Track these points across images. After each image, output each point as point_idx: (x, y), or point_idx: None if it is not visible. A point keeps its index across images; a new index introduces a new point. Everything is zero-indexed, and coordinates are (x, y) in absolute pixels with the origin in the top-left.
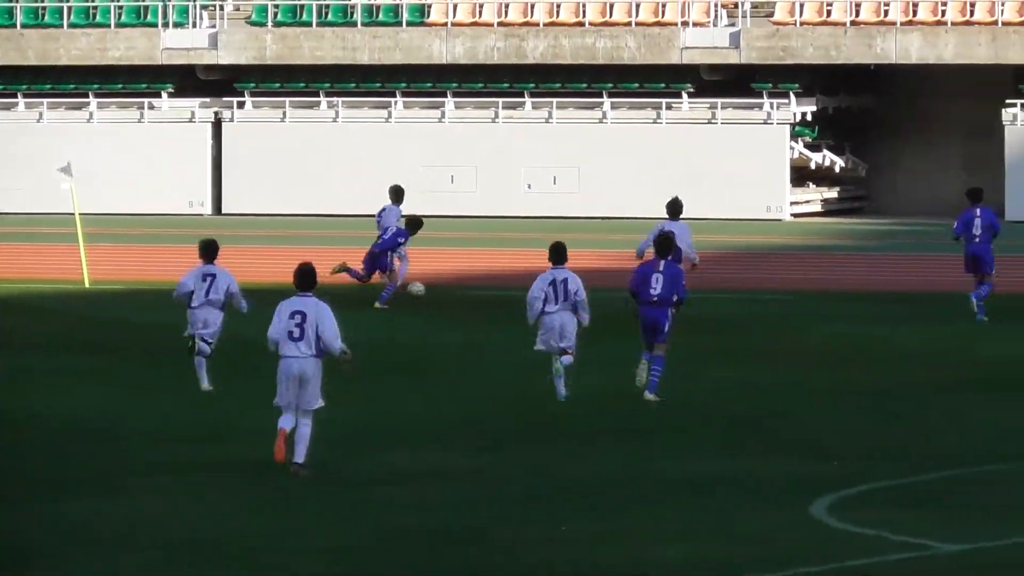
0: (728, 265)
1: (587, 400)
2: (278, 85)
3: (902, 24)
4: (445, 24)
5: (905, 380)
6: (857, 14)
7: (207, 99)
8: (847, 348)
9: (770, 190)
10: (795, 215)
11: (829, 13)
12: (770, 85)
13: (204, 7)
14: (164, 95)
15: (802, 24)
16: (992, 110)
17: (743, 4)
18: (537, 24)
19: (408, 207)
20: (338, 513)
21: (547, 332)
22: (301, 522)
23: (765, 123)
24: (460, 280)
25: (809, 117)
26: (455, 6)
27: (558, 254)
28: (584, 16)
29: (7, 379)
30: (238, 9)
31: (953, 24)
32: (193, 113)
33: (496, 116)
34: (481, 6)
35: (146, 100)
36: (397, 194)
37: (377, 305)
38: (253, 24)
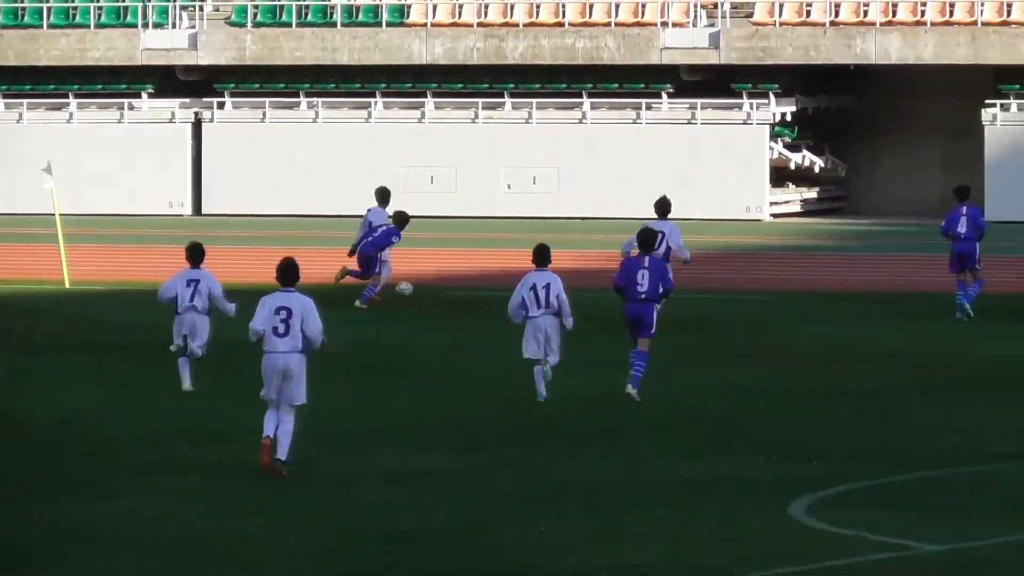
0: (708, 266)
1: (572, 401)
2: (258, 86)
3: (882, 24)
4: (425, 24)
5: (886, 380)
6: (837, 14)
7: (187, 100)
8: (828, 348)
9: (750, 190)
10: (775, 215)
11: (809, 13)
12: (750, 85)
13: (184, 8)
14: (144, 95)
15: (782, 24)
16: (972, 110)
17: (723, 5)
18: (517, 25)
19: (389, 208)
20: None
21: (532, 337)
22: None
23: (745, 123)
24: (440, 280)
25: (789, 117)
26: (435, 7)
27: (542, 256)
28: (564, 16)
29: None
30: (218, 10)
31: (933, 24)
32: (173, 114)
33: (476, 116)
34: (461, 6)
35: (126, 100)
36: (383, 196)
37: (357, 303)
38: (233, 25)
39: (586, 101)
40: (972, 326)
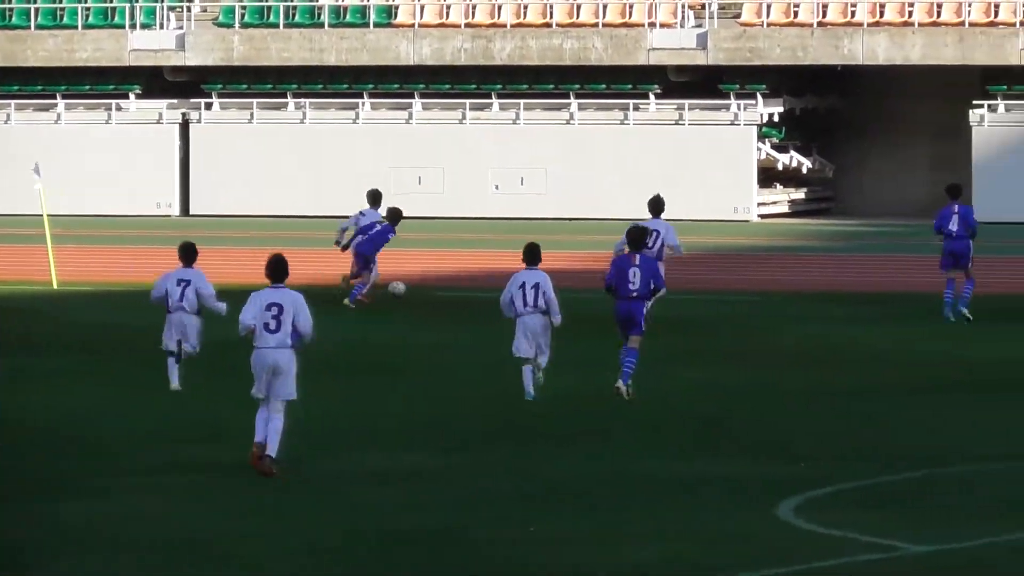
0: (695, 266)
1: (561, 401)
2: (245, 86)
3: (869, 25)
4: (412, 25)
5: (874, 381)
6: (824, 15)
7: (174, 100)
8: (816, 349)
9: (737, 191)
10: (762, 216)
11: (796, 14)
12: (737, 86)
13: (171, 8)
14: (132, 96)
15: (769, 25)
16: (959, 111)
17: (710, 5)
18: (504, 25)
19: (380, 210)
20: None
21: (523, 336)
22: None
23: (732, 124)
24: (428, 281)
25: (776, 118)
26: (422, 7)
27: (532, 255)
28: (551, 17)
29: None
30: (205, 10)
31: (920, 25)
32: (160, 114)
33: (463, 117)
34: (448, 7)
35: (113, 101)
36: (375, 198)
37: (346, 302)
38: (220, 25)
39: (574, 102)
40: (959, 327)
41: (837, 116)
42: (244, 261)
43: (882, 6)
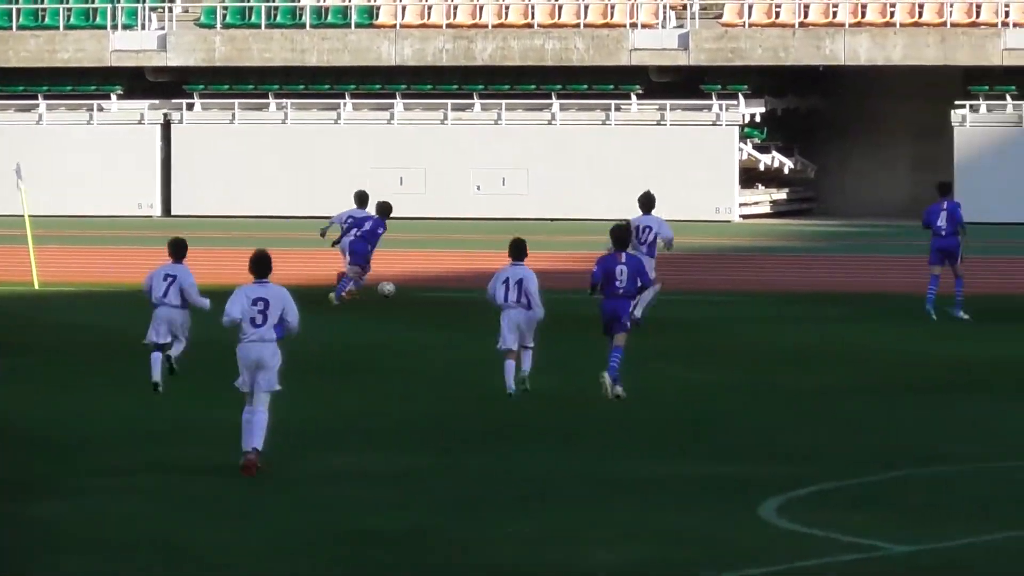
0: (677, 267)
1: (539, 400)
2: (227, 87)
3: (851, 26)
4: (394, 26)
5: (856, 381)
6: (806, 16)
7: (156, 101)
8: (797, 349)
9: (719, 191)
10: (744, 216)
11: (778, 15)
12: (719, 87)
13: (153, 9)
14: (113, 97)
15: (751, 26)
16: (941, 111)
17: (692, 6)
18: (486, 26)
19: (368, 210)
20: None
21: (508, 330)
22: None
23: (714, 124)
24: (409, 281)
25: (758, 119)
26: (404, 8)
27: (517, 251)
28: (533, 18)
29: None
30: (187, 11)
31: (902, 25)
32: (142, 115)
33: (445, 118)
34: (430, 8)
35: (95, 102)
36: (362, 199)
37: (331, 296)
38: (202, 26)
39: (555, 102)
40: (941, 326)
41: (819, 116)
42: (226, 261)
43: (864, 7)
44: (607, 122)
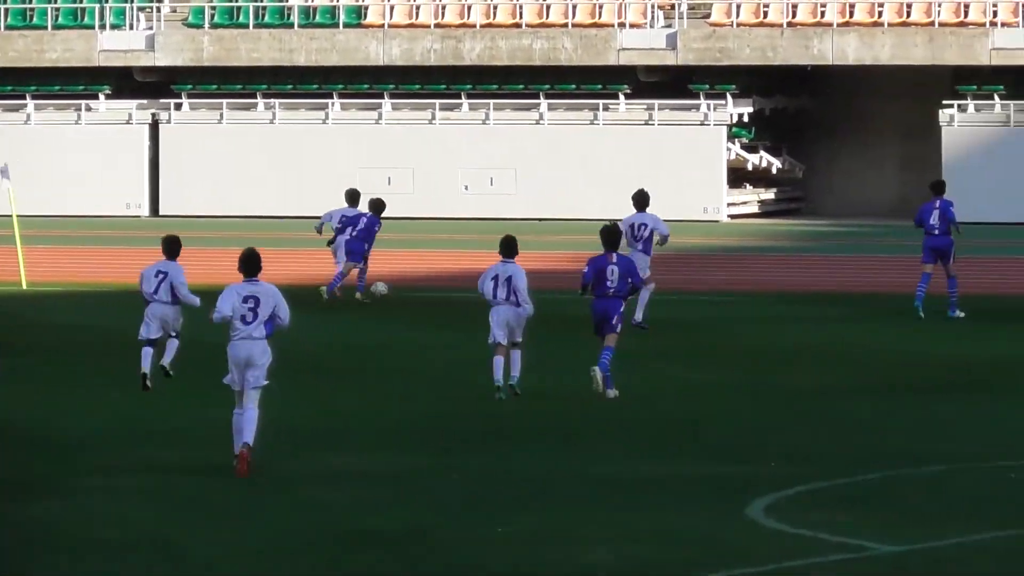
0: (665, 266)
1: (528, 400)
2: (215, 87)
3: (839, 25)
4: (382, 26)
5: (844, 381)
6: (794, 15)
7: (144, 101)
8: (785, 349)
9: (707, 191)
10: (732, 216)
11: (766, 15)
12: (707, 86)
13: (141, 9)
14: (101, 97)
15: (739, 25)
16: (929, 111)
17: (680, 5)
18: (474, 26)
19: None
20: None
21: (497, 325)
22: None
23: (702, 124)
24: (397, 281)
25: (746, 118)
26: (392, 8)
27: (508, 248)
28: (521, 17)
29: None
30: (175, 11)
31: (890, 25)
32: (130, 115)
33: (433, 117)
34: (418, 8)
35: (83, 102)
36: (353, 198)
37: (322, 289)
38: (190, 26)
39: (543, 102)
40: (928, 325)
41: (807, 116)
42: (214, 261)
43: (852, 6)
44: (595, 122)
